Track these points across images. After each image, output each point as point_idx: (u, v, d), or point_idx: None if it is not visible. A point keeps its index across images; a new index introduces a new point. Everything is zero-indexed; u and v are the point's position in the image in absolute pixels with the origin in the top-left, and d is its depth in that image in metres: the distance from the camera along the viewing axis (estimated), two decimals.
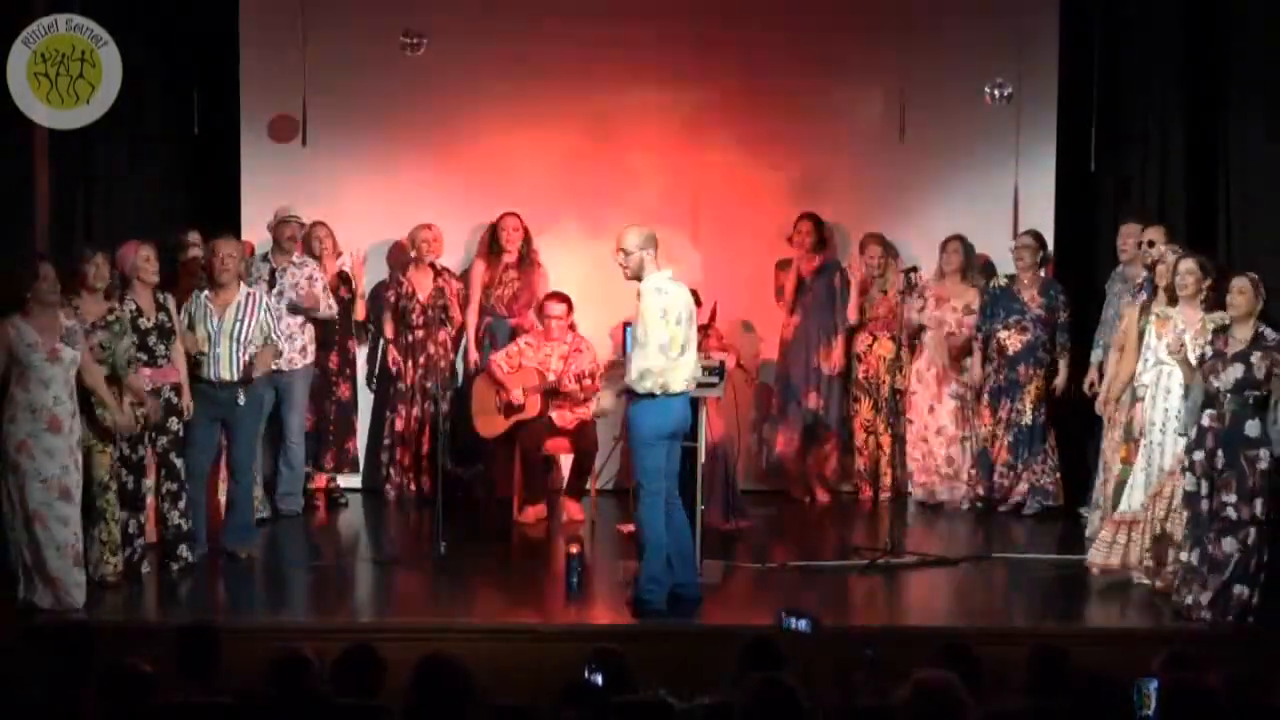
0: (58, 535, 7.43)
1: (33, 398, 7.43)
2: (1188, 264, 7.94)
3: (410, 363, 10.07)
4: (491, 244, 10.19)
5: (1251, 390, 7.34)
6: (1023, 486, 9.82)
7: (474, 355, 10.20)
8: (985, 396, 9.92)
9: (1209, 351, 7.49)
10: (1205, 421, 7.44)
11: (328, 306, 9.69)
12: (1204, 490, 7.43)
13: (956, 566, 8.65)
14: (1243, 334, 7.43)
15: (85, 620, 7.18)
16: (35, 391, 7.43)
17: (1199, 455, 7.46)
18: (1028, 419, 9.79)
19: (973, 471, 9.97)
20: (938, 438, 10.07)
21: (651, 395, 7.48)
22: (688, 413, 7.70)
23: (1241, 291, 7.44)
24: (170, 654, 5.34)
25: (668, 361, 7.47)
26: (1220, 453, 7.38)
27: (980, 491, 9.93)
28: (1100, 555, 8.20)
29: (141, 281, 8.16)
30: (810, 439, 10.28)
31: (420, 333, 10.04)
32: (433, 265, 9.93)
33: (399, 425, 10.08)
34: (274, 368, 8.96)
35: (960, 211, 10.31)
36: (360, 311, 10.04)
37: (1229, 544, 7.38)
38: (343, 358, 10.04)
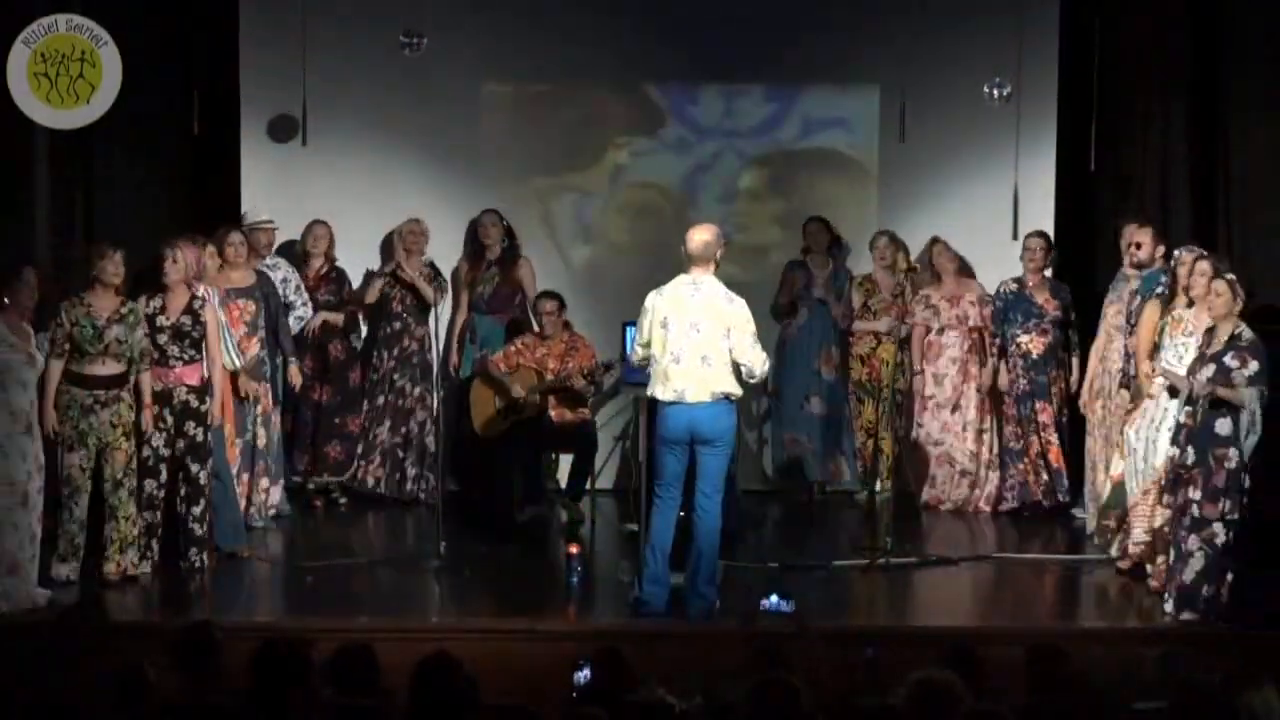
0: (8, 540, 7.33)
1: (11, 398, 7.43)
2: (1203, 266, 7.87)
3: (386, 354, 9.98)
4: (472, 242, 10.18)
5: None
6: (1046, 485, 9.77)
7: (454, 357, 10.12)
8: (1010, 400, 9.86)
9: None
10: (1182, 419, 7.48)
11: (301, 314, 9.60)
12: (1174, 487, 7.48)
13: (956, 566, 8.66)
14: (1224, 334, 7.45)
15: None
16: (13, 393, 7.44)
17: (1173, 451, 7.50)
18: (1064, 418, 9.74)
19: (992, 472, 9.95)
20: (964, 433, 9.97)
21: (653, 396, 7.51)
22: (684, 424, 7.45)
23: (1219, 294, 7.46)
24: (171, 654, 5.33)
25: (649, 360, 7.50)
26: (1190, 449, 7.40)
27: (997, 492, 9.92)
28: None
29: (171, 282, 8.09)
30: (810, 440, 10.27)
31: (398, 324, 9.99)
32: (431, 265, 9.95)
33: (377, 419, 9.94)
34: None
35: (960, 211, 10.30)
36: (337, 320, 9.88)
37: (1193, 541, 7.38)
38: (319, 361, 9.85)
